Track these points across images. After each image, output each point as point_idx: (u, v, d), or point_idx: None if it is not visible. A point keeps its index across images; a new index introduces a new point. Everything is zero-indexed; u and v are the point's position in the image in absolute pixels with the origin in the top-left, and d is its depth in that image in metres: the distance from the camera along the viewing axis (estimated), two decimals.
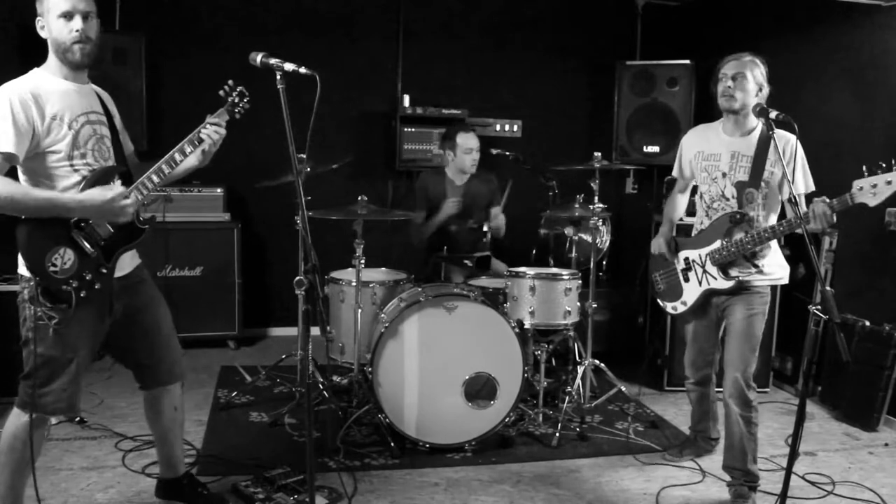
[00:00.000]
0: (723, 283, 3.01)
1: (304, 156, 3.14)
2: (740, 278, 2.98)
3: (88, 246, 2.33)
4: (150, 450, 3.31)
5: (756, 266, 2.97)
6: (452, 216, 4.28)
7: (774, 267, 3.02)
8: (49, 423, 2.46)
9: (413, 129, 5.27)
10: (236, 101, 2.57)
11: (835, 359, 4.16)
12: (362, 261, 3.56)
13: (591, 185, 3.92)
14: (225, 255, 4.93)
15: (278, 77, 2.23)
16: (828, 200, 2.62)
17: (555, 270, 3.95)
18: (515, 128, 5.65)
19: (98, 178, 2.37)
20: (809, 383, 3.48)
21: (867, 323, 3.99)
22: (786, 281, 3.10)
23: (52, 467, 3.08)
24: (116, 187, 2.36)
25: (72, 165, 2.34)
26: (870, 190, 2.51)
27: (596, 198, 3.91)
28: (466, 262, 4.22)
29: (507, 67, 5.64)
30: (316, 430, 3.48)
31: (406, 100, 5.35)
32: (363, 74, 5.42)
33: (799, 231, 2.69)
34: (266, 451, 3.34)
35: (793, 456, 2.38)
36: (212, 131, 2.50)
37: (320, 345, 4.13)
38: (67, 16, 2.27)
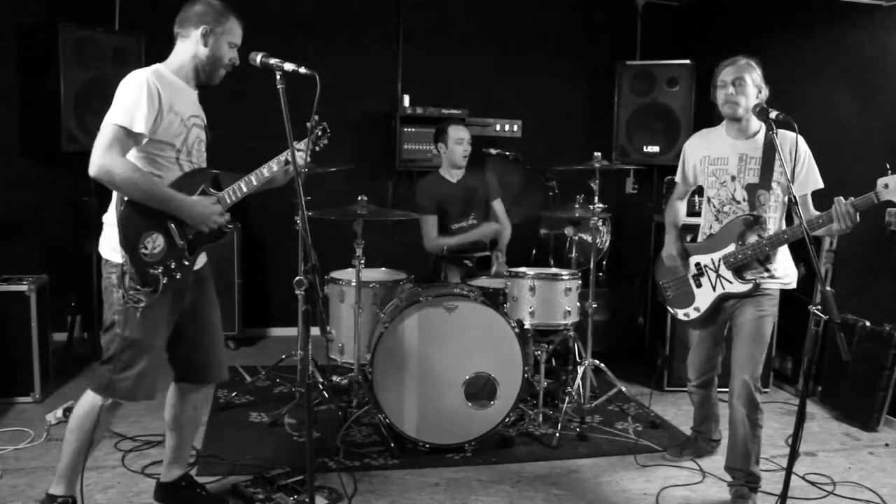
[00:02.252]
0: (739, 287, 2.98)
1: None
2: (757, 281, 2.96)
3: (179, 237, 2.41)
4: (149, 450, 3.32)
5: (768, 270, 2.96)
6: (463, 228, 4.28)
7: (785, 270, 3.00)
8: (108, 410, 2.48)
9: (413, 129, 5.27)
10: (319, 134, 2.75)
11: (835, 359, 4.15)
12: (362, 261, 3.56)
13: (591, 185, 3.91)
14: (225, 255, 4.91)
15: (278, 77, 2.24)
16: (852, 199, 2.59)
17: (555, 270, 3.95)
18: (515, 128, 5.64)
19: (195, 176, 2.47)
20: (809, 383, 3.48)
21: (867, 323, 3.98)
22: (794, 286, 3.06)
23: (52, 467, 3.07)
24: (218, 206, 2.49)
25: (177, 160, 2.43)
26: None
27: (596, 198, 3.91)
28: (466, 262, 4.22)
29: (507, 67, 5.64)
30: (316, 431, 3.48)
31: (406, 100, 5.35)
32: (363, 74, 5.41)
33: (820, 232, 2.68)
34: (266, 451, 3.34)
35: (793, 456, 2.38)
36: (300, 156, 2.65)
37: (320, 345, 4.13)
38: (235, 47, 2.54)
